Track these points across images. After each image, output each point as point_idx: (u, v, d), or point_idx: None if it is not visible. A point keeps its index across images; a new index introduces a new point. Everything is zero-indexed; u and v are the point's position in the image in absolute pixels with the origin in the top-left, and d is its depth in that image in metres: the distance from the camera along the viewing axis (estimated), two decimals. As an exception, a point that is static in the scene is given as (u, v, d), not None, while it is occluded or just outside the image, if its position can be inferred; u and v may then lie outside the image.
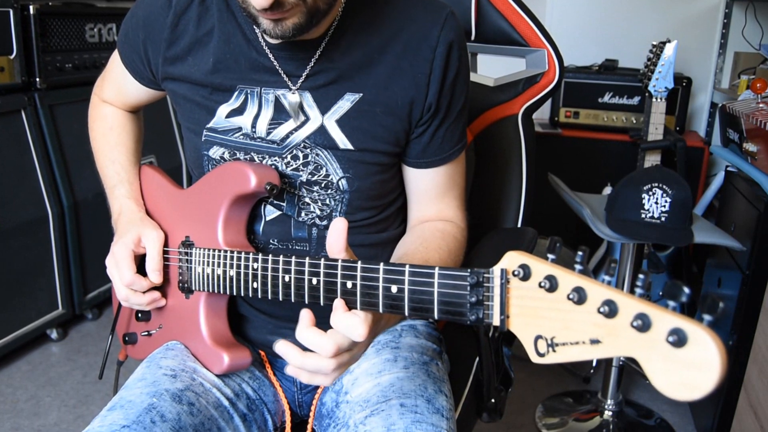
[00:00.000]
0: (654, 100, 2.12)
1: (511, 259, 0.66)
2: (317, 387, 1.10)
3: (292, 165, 1.00)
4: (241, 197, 0.99)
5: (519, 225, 1.31)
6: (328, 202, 1.02)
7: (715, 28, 2.90)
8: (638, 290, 0.59)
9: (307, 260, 0.83)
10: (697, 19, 2.92)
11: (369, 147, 0.98)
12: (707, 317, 0.54)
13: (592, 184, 2.31)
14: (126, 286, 1.03)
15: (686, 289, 0.55)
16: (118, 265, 1.04)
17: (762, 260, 1.78)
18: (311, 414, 1.08)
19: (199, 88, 1.01)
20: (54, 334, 2.50)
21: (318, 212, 1.02)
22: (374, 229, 1.07)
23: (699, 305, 0.54)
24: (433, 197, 1.07)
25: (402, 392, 0.96)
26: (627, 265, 2.05)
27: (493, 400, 1.13)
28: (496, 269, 0.68)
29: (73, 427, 2.03)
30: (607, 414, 2.12)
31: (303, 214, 1.02)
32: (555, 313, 0.62)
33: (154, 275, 1.04)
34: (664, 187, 1.78)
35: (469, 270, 0.70)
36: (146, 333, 1.13)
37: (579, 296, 0.60)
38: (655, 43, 2.15)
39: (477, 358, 1.17)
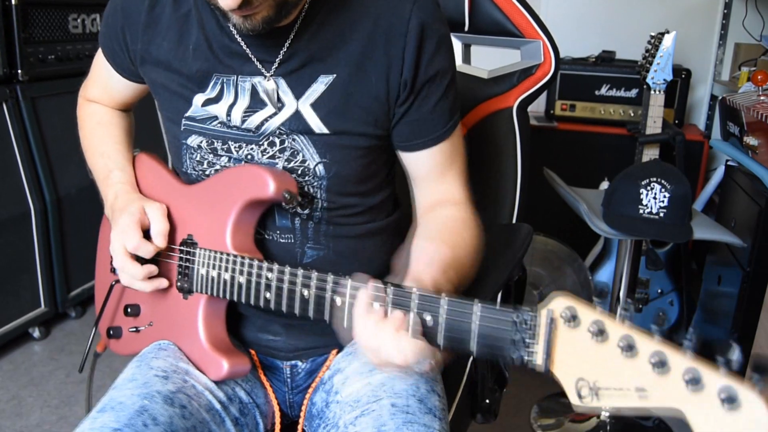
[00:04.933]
0: (652, 92, 2.10)
1: (558, 302, 0.68)
2: (308, 387, 1.08)
3: (268, 152, 0.99)
4: (255, 202, 0.97)
5: (514, 221, 1.31)
6: (307, 189, 1.00)
7: (715, 19, 2.90)
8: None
9: (330, 277, 0.84)
10: (696, 10, 2.92)
11: (345, 129, 0.97)
12: (757, 377, 0.56)
13: (589, 179, 2.31)
14: (132, 250, 0.99)
15: (737, 348, 0.58)
16: (124, 231, 1.00)
17: (763, 257, 1.79)
18: (302, 414, 1.07)
19: (176, 75, 1.00)
20: (36, 333, 2.47)
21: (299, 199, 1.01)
22: (361, 219, 1.06)
23: (751, 366, 0.57)
24: (435, 178, 1.05)
25: (393, 392, 0.94)
26: (624, 262, 2.05)
27: (487, 401, 1.14)
28: (543, 310, 0.69)
29: (56, 428, 1.99)
30: (604, 415, 2.10)
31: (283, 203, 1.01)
32: (601, 359, 0.64)
33: (159, 239, 1.01)
34: (663, 181, 1.78)
35: (513, 308, 0.71)
36: (134, 329, 1.11)
37: (628, 344, 0.62)
38: (653, 34, 2.14)
39: (471, 358, 1.17)
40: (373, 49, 0.94)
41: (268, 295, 0.90)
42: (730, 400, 0.55)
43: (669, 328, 2.42)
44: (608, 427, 2.07)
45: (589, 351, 0.64)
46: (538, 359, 0.69)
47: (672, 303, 2.38)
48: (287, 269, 0.88)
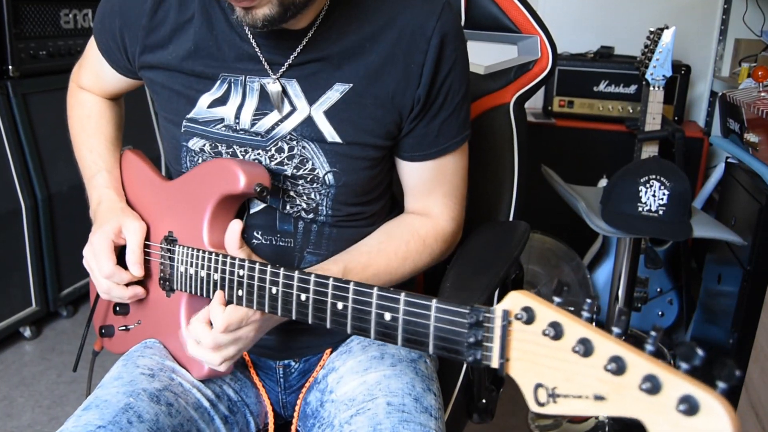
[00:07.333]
0: (651, 88, 2.11)
1: (515, 300, 0.64)
2: (302, 387, 1.08)
3: (276, 158, 0.98)
4: (228, 197, 0.96)
5: (511, 218, 1.29)
6: (313, 196, 0.99)
7: (715, 14, 2.90)
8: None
9: (296, 274, 0.82)
10: (696, 5, 2.91)
11: (358, 140, 0.96)
12: (721, 384, 0.52)
13: (587, 176, 2.30)
14: (105, 278, 1.02)
15: (700, 352, 0.53)
16: (96, 256, 1.02)
17: (763, 255, 1.78)
18: (295, 414, 1.06)
19: (179, 76, 0.99)
20: (27, 332, 2.46)
21: (304, 206, 1.00)
22: (362, 224, 1.05)
23: (714, 371, 0.52)
24: (423, 191, 1.06)
25: (389, 390, 0.94)
26: (623, 260, 2.03)
27: (483, 401, 1.12)
28: (498, 309, 0.66)
29: (48, 429, 1.98)
30: (603, 416, 2.07)
31: (288, 207, 1.00)
32: (558, 362, 0.60)
33: (135, 268, 1.03)
34: (662, 179, 1.77)
35: (468, 307, 0.68)
36: (124, 327, 1.12)
37: (585, 348, 0.58)
38: (652, 29, 2.15)
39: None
40: (392, 61, 0.94)
41: (240, 292, 0.89)
42: (690, 409, 0.52)
43: (668, 327, 2.40)
44: (607, 428, 2.06)
45: (547, 354, 0.61)
46: (494, 361, 0.66)
47: (671, 302, 2.37)
48: (257, 266, 0.86)
